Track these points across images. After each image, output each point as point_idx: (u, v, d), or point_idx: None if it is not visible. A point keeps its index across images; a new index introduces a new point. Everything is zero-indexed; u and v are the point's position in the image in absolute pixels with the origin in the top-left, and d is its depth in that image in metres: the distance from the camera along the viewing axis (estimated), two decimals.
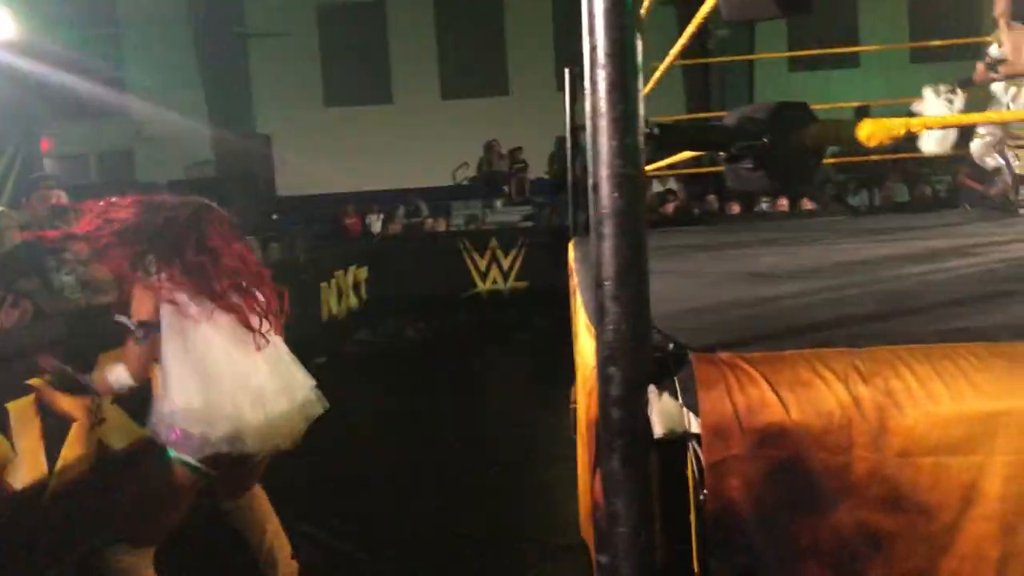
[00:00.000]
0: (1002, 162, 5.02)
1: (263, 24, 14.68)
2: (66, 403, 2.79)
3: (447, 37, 15.20)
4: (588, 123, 1.54)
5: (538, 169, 14.00)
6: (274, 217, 13.44)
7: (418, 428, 5.54)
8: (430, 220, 10.94)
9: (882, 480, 1.50)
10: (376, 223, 12.33)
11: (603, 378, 1.55)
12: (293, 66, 14.82)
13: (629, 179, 1.50)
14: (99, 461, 2.98)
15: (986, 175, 6.04)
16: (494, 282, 8.64)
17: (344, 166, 14.01)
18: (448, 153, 14.09)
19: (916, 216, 6.07)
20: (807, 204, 8.92)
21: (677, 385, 1.56)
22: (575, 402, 4.87)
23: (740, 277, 3.00)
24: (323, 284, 6.99)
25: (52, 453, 2.70)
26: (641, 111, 1.52)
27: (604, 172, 1.51)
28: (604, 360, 1.54)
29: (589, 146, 1.54)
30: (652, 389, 1.55)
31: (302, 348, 6.07)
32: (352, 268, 8.00)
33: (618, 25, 1.49)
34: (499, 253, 8.56)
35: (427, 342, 8.40)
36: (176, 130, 14.18)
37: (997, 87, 4.91)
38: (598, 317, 1.54)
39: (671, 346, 1.66)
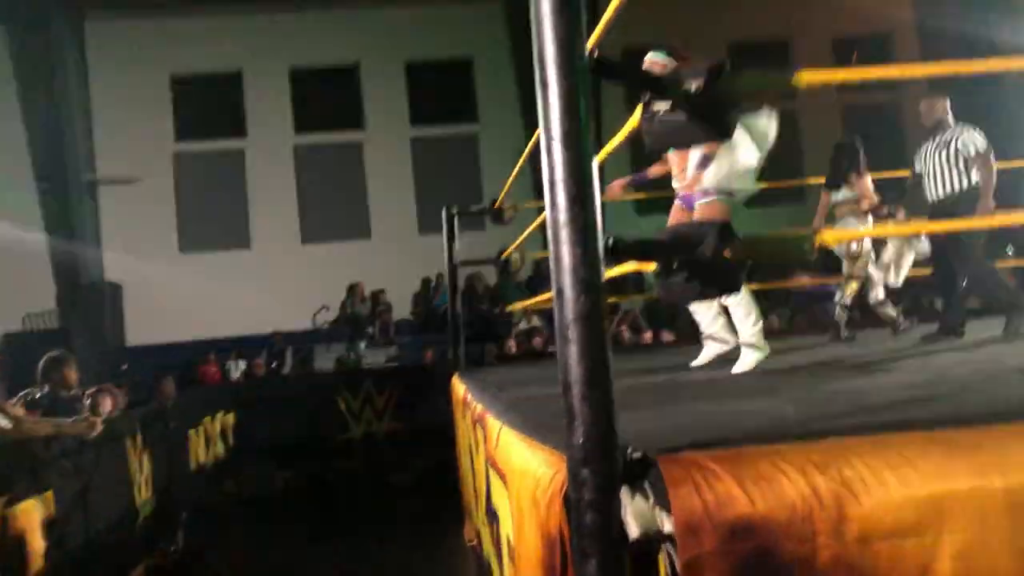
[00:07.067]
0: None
1: (115, 170, 14.36)
2: None
3: (307, 183, 15.33)
4: (549, 234, 1.61)
5: (401, 311, 14.06)
6: (123, 367, 12.79)
7: None
8: (294, 363, 10.68)
9: (846, 567, 1.56)
10: (235, 369, 11.93)
11: (576, 482, 1.56)
12: (146, 212, 14.48)
13: (592, 285, 1.57)
14: None
15: None
16: (368, 424, 8.47)
17: (200, 312, 13.60)
18: (308, 297, 13.95)
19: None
20: (667, 336, 9.34)
21: (647, 485, 1.59)
22: (473, 540, 4.76)
23: (660, 389, 3.10)
24: (191, 431, 6.64)
25: None
26: (599, 222, 1.61)
27: (568, 280, 1.58)
28: (576, 463, 1.56)
29: (552, 256, 1.61)
30: (625, 491, 1.57)
31: (170, 501, 5.74)
32: (219, 414, 7.66)
33: (577, 145, 1.59)
34: (373, 393, 8.44)
35: (299, 490, 8.05)
36: (15, 278, 13.43)
37: None
38: (568, 420, 1.57)
39: (629, 448, 1.70)
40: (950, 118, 4.88)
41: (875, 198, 5.38)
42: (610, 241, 1.70)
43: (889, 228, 5.15)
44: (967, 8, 12.52)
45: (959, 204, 4.64)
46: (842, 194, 5.38)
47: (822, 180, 5.56)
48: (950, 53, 12.81)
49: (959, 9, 12.70)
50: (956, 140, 4.74)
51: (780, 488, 1.57)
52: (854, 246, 5.29)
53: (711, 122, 1.90)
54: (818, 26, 14.92)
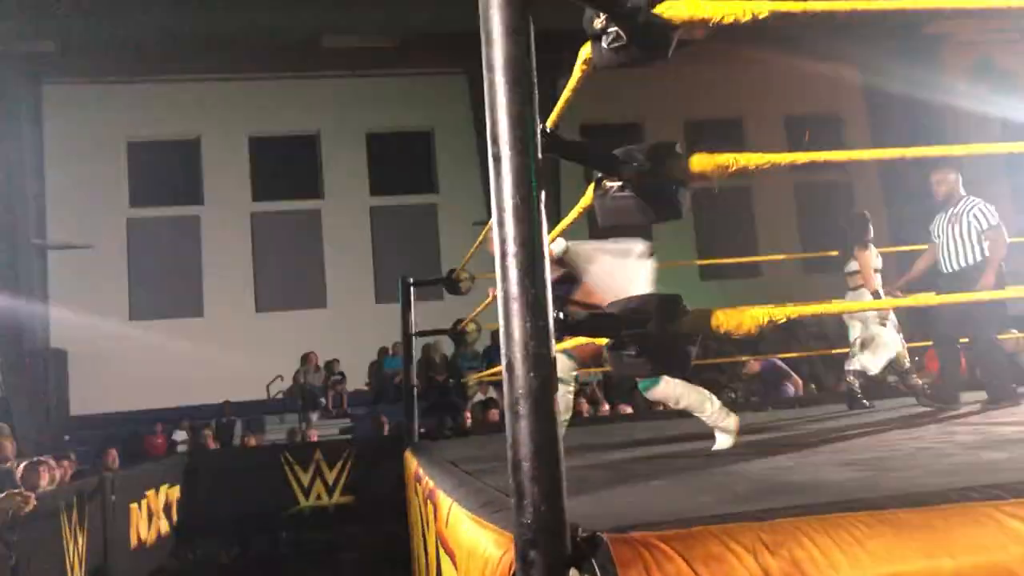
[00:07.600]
0: None
1: (67, 234, 14.15)
2: None
3: (264, 251, 15.21)
4: (500, 308, 1.59)
5: (356, 381, 13.88)
6: (66, 438, 12.40)
7: None
8: (244, 434, 10.43)
9: None
10: (184, 440, 11.63)
11: (523, 563, 1.51)
12: (96, 278, 14.22)
13: (543, 359, 1.55)
14: None
15: None
16: (318, 498, 8.25)
17: (149, 381, 13.28)
18: (262, 366, 13.73)
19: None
20: (626, 409, 9.31)
21: (595, 567, 1.55)
22: None
23: (613, 465, 3.06)
24: (133, 506, 6.40)
25: None
26: (549, 296, 1.60)
27: (519, 353, 1.55)
28: (524, 544, 1.51)
29: (502, 329, 1.59)
30: (574, 573, 1.53)
31: None
32: (164, 487, 7.41)
33: (528, 219, 1.59)
34: (324, 467, 8.24)
35: (245, 566, 7.78)
36: None
37: None
38: (516, 499, 1.53)
39: (580, 528, 1.66)
40: (961, 190, 5.05)
41: (870, 278, 5.40)
42: (561, 314, 1.68)
43: (897, 300, 5.24)
44: (913, 88, 13.09)
45: (972, 276, 4.77)
46: (850, 266, 5.52)
47: (774, 257, 5.67)
48: (898, 130, 13.35)
49: (905, 89, 13.29)
50: (967, 214, 4.89)
51: (731, 569, 1.54)
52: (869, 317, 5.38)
53: (660, 201, 1.92)
54: (771, 105, 15.40)
